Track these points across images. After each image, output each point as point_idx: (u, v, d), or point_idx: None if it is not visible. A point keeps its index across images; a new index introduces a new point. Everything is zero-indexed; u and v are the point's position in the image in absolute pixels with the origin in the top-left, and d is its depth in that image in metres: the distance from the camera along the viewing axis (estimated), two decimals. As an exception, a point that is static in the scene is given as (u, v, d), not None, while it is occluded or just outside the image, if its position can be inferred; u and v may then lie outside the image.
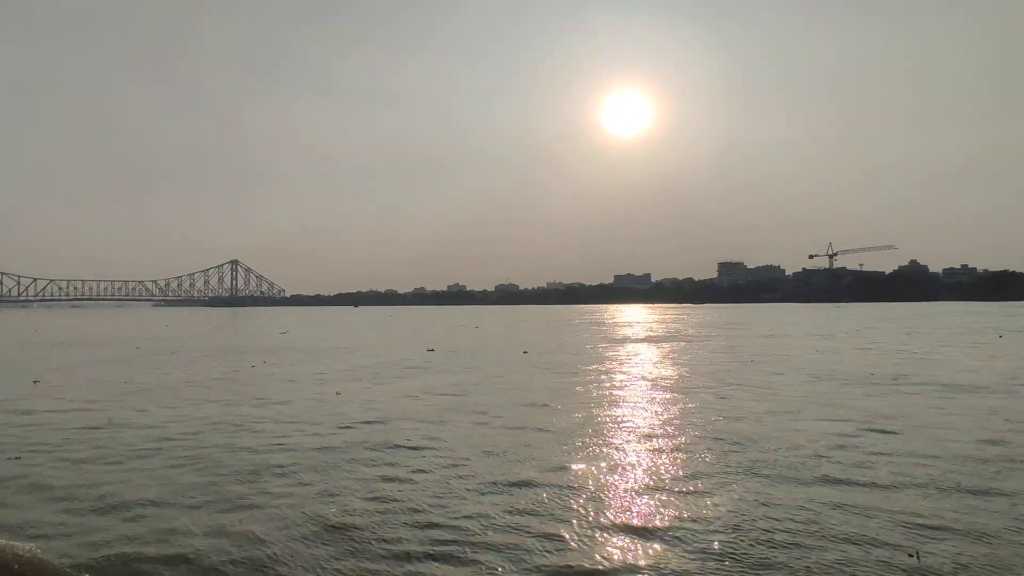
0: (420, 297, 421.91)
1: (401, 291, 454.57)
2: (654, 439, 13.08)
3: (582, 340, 46.09)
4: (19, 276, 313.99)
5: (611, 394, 19.59)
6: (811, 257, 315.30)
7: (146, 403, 18.71)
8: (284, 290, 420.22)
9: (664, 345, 40.16)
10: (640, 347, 38.89)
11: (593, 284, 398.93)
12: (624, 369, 27.01)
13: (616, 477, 10.37)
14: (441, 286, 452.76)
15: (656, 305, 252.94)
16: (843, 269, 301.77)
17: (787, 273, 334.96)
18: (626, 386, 21.48)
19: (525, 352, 35.20)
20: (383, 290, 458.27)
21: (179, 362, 31.84)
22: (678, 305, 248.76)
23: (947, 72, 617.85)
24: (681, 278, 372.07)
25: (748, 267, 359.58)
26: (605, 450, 12.22)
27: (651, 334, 52.42)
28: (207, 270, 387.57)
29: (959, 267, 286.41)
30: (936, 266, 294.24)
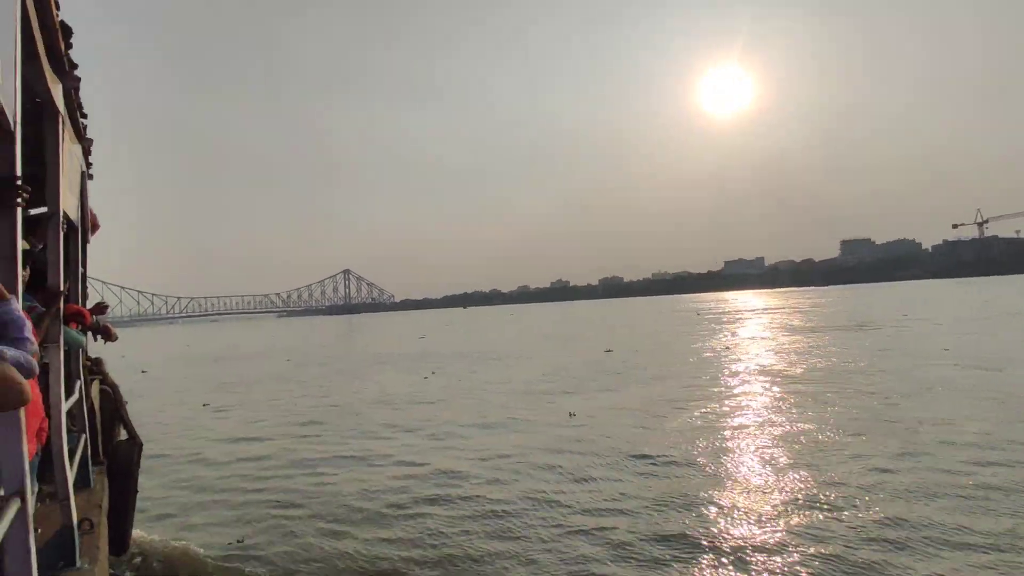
0: (524, 295, 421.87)
1: (505, 290, 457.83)
2: None
3: (761, 333, 39.44)
4: (166, 296, 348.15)
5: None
6: (955, 227, 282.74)
7: (365, 431, 15.15)
8: (393, 295, 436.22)
9: (871, 331, 32.86)
10: (850, 336, 31.82)
11: (701, 272, 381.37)
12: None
13: None
14: (544, 283, 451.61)
15: (774, 290, 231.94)
16: (994, 238, 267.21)
17: (924, 247, 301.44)
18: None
19: (727, 348, 29.52)
20: (487, 290, 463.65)
21: (347, 375, 28.80)
22: (799, 289, 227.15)
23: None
24: (798, 260, 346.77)
25: (876, 243, 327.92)
26: None
27: (829, 323, 44.27)
28: (323, 281, 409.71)
29: None
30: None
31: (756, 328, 43.45)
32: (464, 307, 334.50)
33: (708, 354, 27.58)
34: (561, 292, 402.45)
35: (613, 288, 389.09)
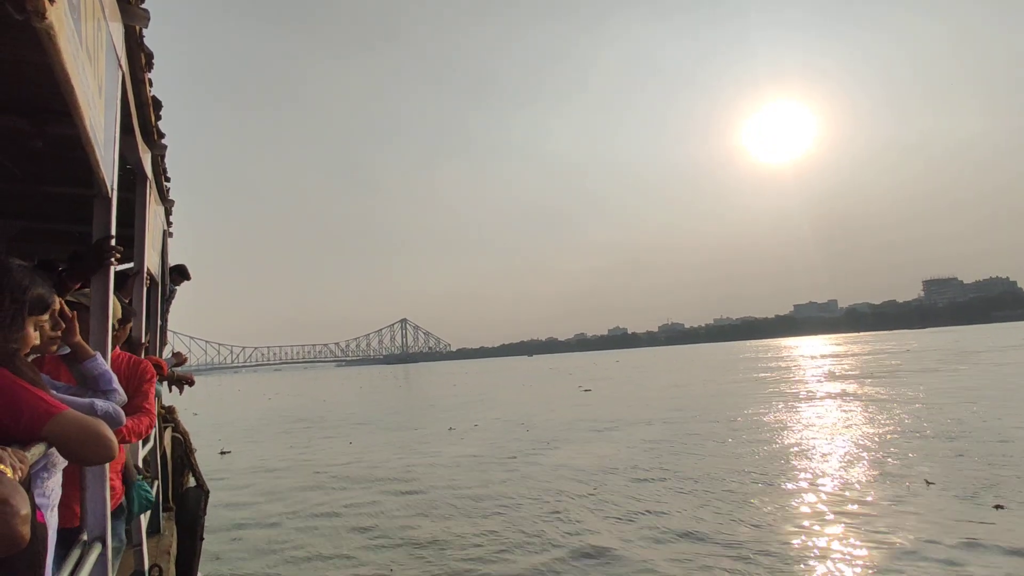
0: (582, 343, 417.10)
1: (561, 338, 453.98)
2: None
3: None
4: (232, 345, 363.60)
5: None
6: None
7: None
8: (450, 344, 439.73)
9: None
10: None
11: (768, 316, 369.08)
12: None
13: None
14: (601, 330, 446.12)
15: (856, 335, 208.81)
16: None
17: (1019, 285, 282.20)
18: None
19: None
20: (544, 338, 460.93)
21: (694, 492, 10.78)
22: (884, 333, 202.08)
23: None
24: (878, 302, 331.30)
25: (964, 282, 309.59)
26: None
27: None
28: (380, 330, 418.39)
29: None
30: None
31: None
32: (530, 355, 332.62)
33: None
34: (620, 340, 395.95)
35: (675, 334, 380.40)
